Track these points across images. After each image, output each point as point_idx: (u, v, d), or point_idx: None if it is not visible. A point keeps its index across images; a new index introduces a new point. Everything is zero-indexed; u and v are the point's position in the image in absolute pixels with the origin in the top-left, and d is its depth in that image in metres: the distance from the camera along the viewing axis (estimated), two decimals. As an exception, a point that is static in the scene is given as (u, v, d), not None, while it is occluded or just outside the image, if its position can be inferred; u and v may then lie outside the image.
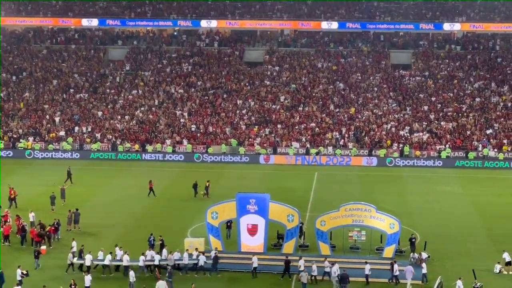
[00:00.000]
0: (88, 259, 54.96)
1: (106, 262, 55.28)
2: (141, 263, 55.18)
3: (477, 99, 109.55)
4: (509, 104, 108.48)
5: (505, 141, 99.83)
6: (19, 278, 51.18)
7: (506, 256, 56.14)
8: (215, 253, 56.23)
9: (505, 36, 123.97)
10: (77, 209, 66.75)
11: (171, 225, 67.40)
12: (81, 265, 55.68)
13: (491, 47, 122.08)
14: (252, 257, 55.78)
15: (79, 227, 65.88)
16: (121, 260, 55.51)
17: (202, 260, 55.75)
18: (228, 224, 62.41)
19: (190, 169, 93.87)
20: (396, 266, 53.54)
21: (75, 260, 55.72)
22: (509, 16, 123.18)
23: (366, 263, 53.93)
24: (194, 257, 56.03)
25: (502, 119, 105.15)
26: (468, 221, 70.69)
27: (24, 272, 51.76)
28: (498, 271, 55.33)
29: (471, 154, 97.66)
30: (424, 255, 56.64)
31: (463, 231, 67.01)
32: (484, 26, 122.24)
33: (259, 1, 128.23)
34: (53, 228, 61.98)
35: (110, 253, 55.76)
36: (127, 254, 55.42)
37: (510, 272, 55.43)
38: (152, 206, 75.09)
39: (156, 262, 55.37)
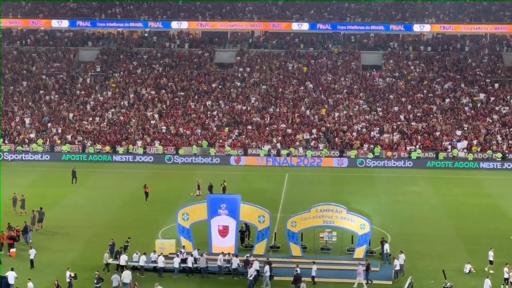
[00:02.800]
0: (123, 260, 54.82)
1: (141, 263, 55.23)
2: (176, 265, 55.07)
3: (447, 100, 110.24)
4: (479, 105, 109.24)
5: (474, 142, 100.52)
6: (68, 280, 50.83)
7: (490, 255, 56.29)
8: (247, 257, 55.54)
9: (474, 37, 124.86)
10: (41, 208, 66.39)
11: (142, 227, 67.13)
12: (117, 265, 55.41)
13: (460, 48, 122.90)
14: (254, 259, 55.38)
15: (41, 226, 65.65)
16: (156, 261, 55.45)
17: (235, 263, 55.07)
18: None
19: (161, 171, 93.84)
20: (314, 266, 53.43)
21: (110, 260, 55.54)
22: (479, 17, 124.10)
23: (297, 265, 53.34)
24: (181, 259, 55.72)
25: (472, 119, 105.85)
26: (438, 221, 71.00)
27: (72, 274, 51.10)
28: (467, 271, 55.60)
29: (441, 155, 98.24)
30: (402, 258, 56.20)
31: (433, 231, 67.28)
32: (454, 27, 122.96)
33: (230, 2, 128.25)
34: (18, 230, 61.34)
35: (144, 253, 55.82)
36: (162, 256, 55.39)
37: (491, 271, 55.44)
38: (123, 208, 74.80)
39: (189, 264, 55.19)
